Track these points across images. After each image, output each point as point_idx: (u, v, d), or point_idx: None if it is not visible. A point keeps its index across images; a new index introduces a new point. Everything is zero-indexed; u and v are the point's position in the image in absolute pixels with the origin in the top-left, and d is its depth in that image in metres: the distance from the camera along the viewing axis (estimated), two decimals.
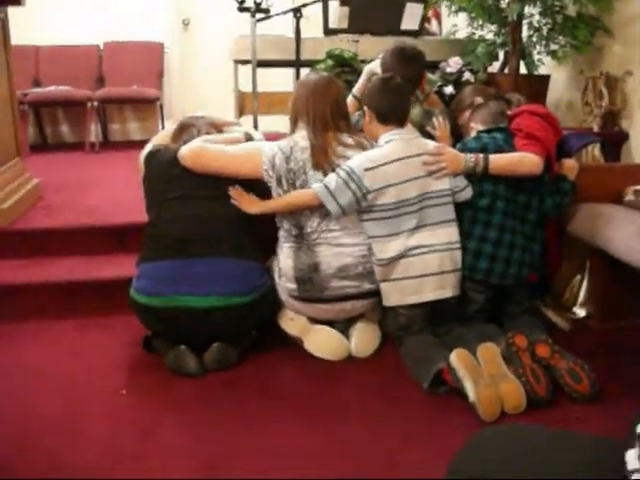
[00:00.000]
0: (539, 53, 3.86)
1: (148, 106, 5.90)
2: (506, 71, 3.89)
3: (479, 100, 2.92)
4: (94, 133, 5.58)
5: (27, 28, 5.03)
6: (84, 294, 2.96)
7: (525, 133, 2.62)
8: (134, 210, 3.07)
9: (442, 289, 2.52)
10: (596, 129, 3.59)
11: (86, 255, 3.17)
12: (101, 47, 6.00)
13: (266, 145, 2.62)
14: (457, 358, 2.26)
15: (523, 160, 2.56)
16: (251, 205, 2.58)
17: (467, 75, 3.65)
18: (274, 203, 2.58)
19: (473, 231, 2.59)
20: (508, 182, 2.58)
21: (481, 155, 2.56)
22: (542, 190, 2.67)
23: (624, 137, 3.58)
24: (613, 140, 3.54)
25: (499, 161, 2.56)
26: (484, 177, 2.57)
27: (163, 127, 5.84)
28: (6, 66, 3.51)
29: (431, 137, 2.78)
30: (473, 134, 2.74)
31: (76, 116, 5.89)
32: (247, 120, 3.76)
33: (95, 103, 5.63)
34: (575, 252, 2.94)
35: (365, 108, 2.65)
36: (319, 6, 3.71)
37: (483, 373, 2.24)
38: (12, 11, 3.51)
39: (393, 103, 2.59)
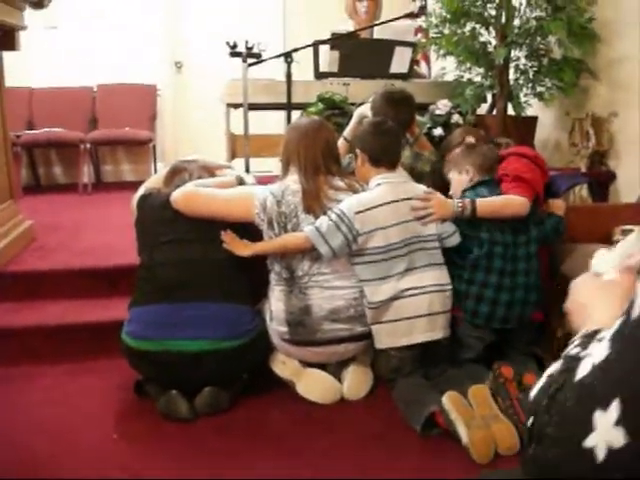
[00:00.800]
0: (526, 95, 3.92)
1: (141, 148, 5.95)
2: (494, 113, 3.95)
3: (470, 139, 2.96)
4: (87, 174, 5.61)
5: (21, 70, 5.10)
6: (76, 338, 2.94)
7: (512, 176, 2.66)
8: (127, 253, 3.08)
9: (432, 331, 2.53)
10: (583, 169, 3.64)
11: (78, 298, 3.16)
12: (94, 89, 6.06)
13: (258, 189, 2.65)
14: (449, 401, 2.26)
15: (509, 202, 2.59)
16: (243, 248, 2.60)
17: (456, 117, 3.70)
18: (266, 245, 2.60)
19: (475, 277, 2.60)
20: (503, 227, 2.60)
21: (468, 199, 2.60)
22: (535, 220, 2.70)
23: (611, 177, 3.62)
24: (600, 180, 3.59)
25: (485, 205, 2.59)
26: (475, 224, 2.60)
27: (156, 169, 5.88)
28: (0, 109, 3.54)
29: (419, 179, 2.82)
30: (464, 176, 2.77)
31: (69, 158, 5.93)
32: (239, 162, 3.79)
33: (88, 145, 5.67)
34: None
35: (357, 151, 2.69)
36: (310, 50, 3.77)
37: (475, 415, 2.25)
38: (6, 53, 3.56)
39: (385, 146, 2.63)
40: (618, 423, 0.50)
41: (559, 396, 0.60)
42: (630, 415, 0.49)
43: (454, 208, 2.58)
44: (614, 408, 0.50)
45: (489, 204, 2.60)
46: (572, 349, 0.72)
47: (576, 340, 0.75)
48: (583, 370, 0.58)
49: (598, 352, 0.56)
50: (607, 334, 0.58)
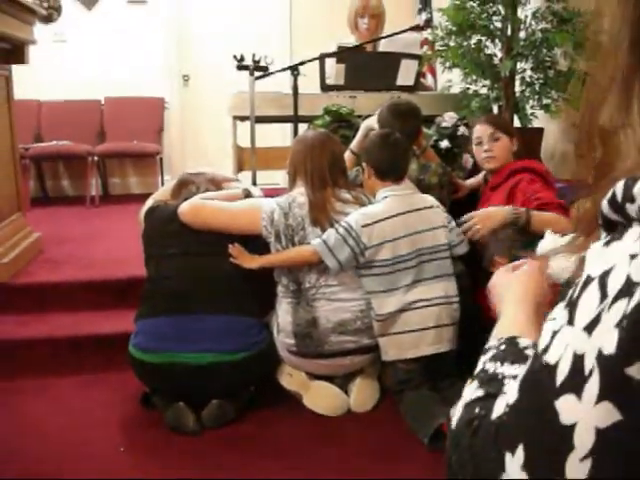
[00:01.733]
0: (532, 107, 3.93)
1: (148, 160, 5.98)
2: None
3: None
4: (95, 187, 5.64)
5: (29, 83, 5.15)
6: (84, 350, 2.95)
7: (548, 204, 2.62)
8: (134, 265, 3.09)
9: (439, 343, 2.53)
10: (590, 181, 3.63)
11: (86, 310, 3.17)
12: (102, 102, 6.10)
13: (265, 201, 2.66)
14: None
15: (559, 220, 2.51)
16: (250, 261, 2.60)
17: (462, 129, 3.70)
18: (273, 258, 2.60)
19: None
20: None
21: (523, 209, 2.57)
22: None
23: None
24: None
25: (539, 217, 2.54)
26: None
27: (163, 181, 5.91)
28: (9, 122, 3.57)
29: (426, 191, 2.82)
30: None
31: (77, 170, 5.96)
32: (246, 175, 3.81)
33: (96, 157, 5.70)
34: None
35: (364, 164, 2.69)
36: (316, 64, 3.78)
37: None
38: (15, 66, 3.60)
39: (392, 159, 2.64)
40: (523, 468, 0.52)
41: (480, 432, 0.61)
42: (530, 461, 0.51)
43: (506, 214, 2.56)
44: (519, 453, 0.52)
45: (542, 217, 2.54)
46: (488, 362, 0.72)
47: (491, 349, 0.75)
48: (498, 409, 0.59)
49: (511, 393, 0.57)
50: (520, 372, 0.59)
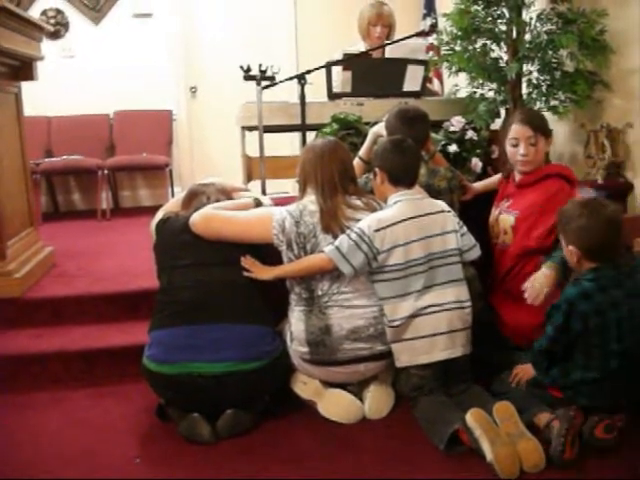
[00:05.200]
0: (540, 109, 3.92)
1: (158, 173, 6.00)
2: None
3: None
4: (105, 200, 5.67)
5: (39, 99, 5.19)
6: (98, 362, 2.97)
7: None
8: (146, 277, 3.10)
9: (452, 348, 2.52)
10: (600, 181, 3.62)
11: (99, 323, 3.19)
12: (111, 116, 6.14)
13: (276, 210, 2.66)
14: (473, 418, 2.24)
15: None
16: (264, 272, 2.60)
17: (470, 133, 3.69)
18: (288, 268, 2.60)
19: None
20: None
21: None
22: None
23: (629, 188, 3.60)
24: (618, 191, 3.57)
25: None
26: None
27: (173, 193, 5.93)
28: (19, 139, 3.60)
29: (436, 195, 2.82)
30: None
31: (87, 184, 6.01)
32: (255, 185, 3.82)
33: (106, 171, 5.73)
34: None
35: (376, 169, 2.69)
36: (322, 72, 3.79)
37: (500, 432, 2.22)
38: (24, 83, 3.63)
39: (405, 165, 2.64)
40: None
41: None
42: None
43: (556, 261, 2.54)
44: None
45: None
46: None
47: None
48: None
49: None
50: None
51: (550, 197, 2.77)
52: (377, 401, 2.59)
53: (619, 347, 2.30)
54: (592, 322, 2.29)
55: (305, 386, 2.63)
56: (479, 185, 3.26)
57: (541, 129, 2.88)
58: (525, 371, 2.52)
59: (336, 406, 2.57)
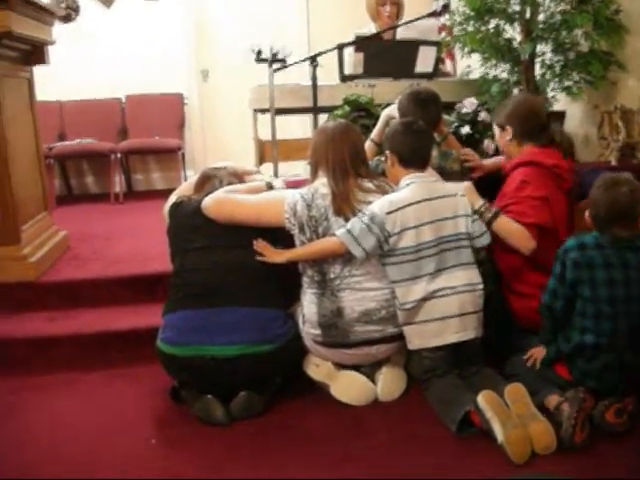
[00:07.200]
0: (553, 90, 3.89)
1: (170, 156, 6.03)
2: None
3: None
4: (118, 184, 5.70)
5: (51, 84, 5.19)
6: (112, 345, 3.00)
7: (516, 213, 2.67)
8: (160, 260, 3.12)
9: (464, 331, 2.52)
10: (614, 162, 3.60)
11: (114, 306, 3.22)
12: (123, 100, 6.16)
13: (287, 193, 2.66)
14: (484, 400, 2.25)
15: (521, 236, 2.63)
16: (277, 255, 2.60)
17: (483, 115, 3.67)
18: (300, 251, 2.60)
19: None
20: None
21: (494, 209, 2.63)
22: None
23: None
24: (632, 173, 3.53)
25: (503, 223, 2.64)
26: None
27: (185, 176, 5.95)
28: (32, 123, 3.62)
29: (448, 178, 2.80)
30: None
31: (100, 167, 6.02)
32: (267, 167, 3.82)
33: (119, 155, 5.76)
34: None
35: (387, 152, 2.69)
36: (334, 54, 3.78)
37: (511, 414, 2.23)
38: (37, 68, 3.65)
39: (415, 147, 2.63)
40: None
41: None
42: None
43: (478, 205, 2.63)
44: None
45: (507, 225, 2.64)
46: None
47: None
48: None
49: None
50: None
51: (517, 187, 2.75)
52: (389, 383, 2.61)
53: (611, 310, 2.32)
54: (584, 274, 2.35)
55: (317, 368, 2.64)
56: (488, 162, 3.21)
57: (496, 120, 2.96)
58: (539, 352, 2.52)
59: (348, 388, 2.59)
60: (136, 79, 6.05)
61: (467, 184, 2.70)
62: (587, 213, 2.44)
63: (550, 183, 2.73)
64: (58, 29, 3.75)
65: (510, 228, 2.64)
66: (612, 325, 2.32)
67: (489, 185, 2.96)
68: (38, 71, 3.68)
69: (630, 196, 2.31)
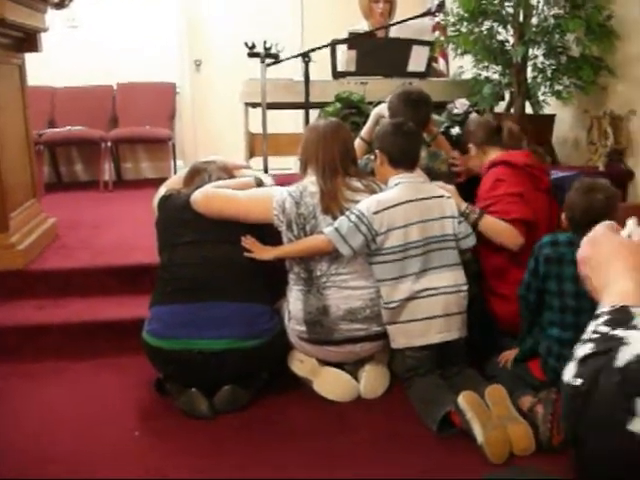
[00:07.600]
0: (544, 94, 3.91)
1: (160, 145, 6.02)
2: (512, 111, 3.95)
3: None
4: (108, 172, 5.69)
5: (43, 70, 5.16)
6: (99, 335, 3.01)
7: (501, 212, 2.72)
8: (148, 250, 3.12)
9: (448, 331, 2.55)
10: (601, 168, 3.63)
11: (101, 296, 3.23)
12: (114, 88, 6.13)
13: (276, 190, 2.68)
14: (465, 400, 2.28)
15: (510, 234, 2.68)
16: (265, 252, 2.63)
17: (473, 116, 3.70)
18: (288, 248, 2.63)
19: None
20: None
21: (478, 210, 2.68)
22: None
23: (629, 176, 3.61)
24: (618, 179, 3.57)
25: (489, 223, 2.70)
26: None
27: (175, 166, 5.94)
28: (22, 110, 3.61)
29: (436, 178, 2.83)
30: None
31: (90, 155, 6.01)
32: (257, 161, 3.83)
33: (109, 143, 5.74)
34: None
35: (377, 151, 2.71)
36: (327, 50, 3.78)
37: (491, 415, 2.26)
38: (28, 54, 3.63)
39: (405, 148, 2.65)
40: None
41: (601, 378, 0.61)
42: None
43: (463, 207, 2.69)
44: None
45: (494, 225, 2.69)
46: (601, 326, 0.72)
47: (604, 315, 0.75)
48: (623, 358, 0.59)
49: (637, 345, 0.58)
50: None
51: (491, 186, 2.80)
52: (372, 381, 2.64)
53: (575, 304, 2.36)
54: (553, 269, 2.40)
55: (302, 364, 2.67)
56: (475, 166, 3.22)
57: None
58: (511, 354, 2.58)
59: (332, 384, 2.62)
60: (128, 67, 6.03)
61: (451, 187, 2.75)
62: (563, 215, 2.49)
63: (524, 180, 2.80)
64: (51, 15, 3.73)
65: (497, 227, 2.69)
66: (576, 319, 2.36)
67: (472, 188, 3.00)
68: (30, 57, 3.67)
69: (605, 202, 2.36)
